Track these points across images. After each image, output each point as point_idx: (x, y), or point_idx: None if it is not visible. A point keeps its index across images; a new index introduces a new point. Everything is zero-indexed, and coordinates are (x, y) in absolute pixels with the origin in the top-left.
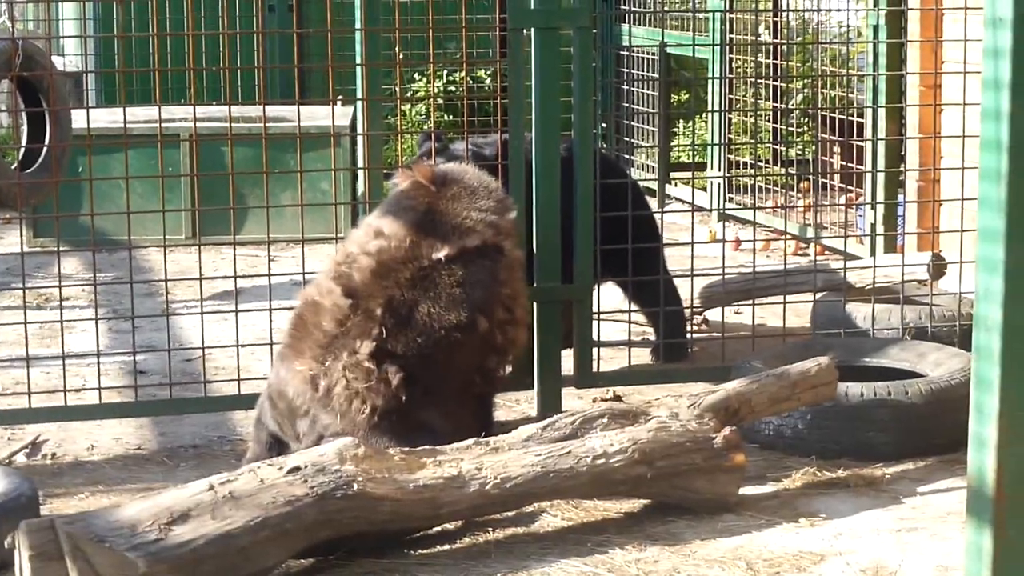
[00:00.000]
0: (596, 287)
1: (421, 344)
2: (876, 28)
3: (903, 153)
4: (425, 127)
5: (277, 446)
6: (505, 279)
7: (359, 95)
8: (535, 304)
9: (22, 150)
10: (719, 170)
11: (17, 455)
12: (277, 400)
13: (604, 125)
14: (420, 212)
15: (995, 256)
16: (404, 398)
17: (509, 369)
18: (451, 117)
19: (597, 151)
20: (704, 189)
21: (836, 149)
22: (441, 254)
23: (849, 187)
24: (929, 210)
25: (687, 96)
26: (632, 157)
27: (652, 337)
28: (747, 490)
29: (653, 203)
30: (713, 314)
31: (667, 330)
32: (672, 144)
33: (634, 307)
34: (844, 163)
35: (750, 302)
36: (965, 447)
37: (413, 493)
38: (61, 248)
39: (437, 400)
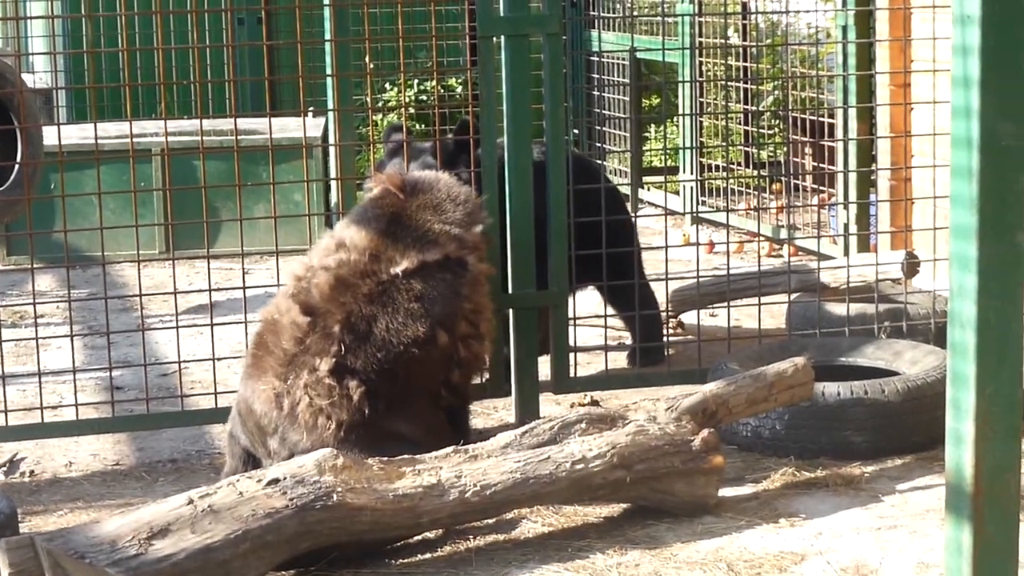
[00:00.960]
0: (574, 292)
1: (381, 359)
2: (845, 28)
3: (874, 152)
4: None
5: (252, 459)
6: (468, 293)
7: (330, 106)
8: (511, 310)
9: None
10: (691, 173)
11: None
12: (246, 417)
13: (576, 131)
14: (384, 222)
15: (968, 253)
16: (367, 412)
17: (478, 381)
18: (423, 126)
19: (570, 155)
20: (677, 193)
21: (807, 150)
22: (399, 268)
23: (821, 187)
24: (901, 209)
25: (658, 100)
26: (604, 162)
27: (628, 341)
28: (726, 492)
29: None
30: (688, 317)
31: (643, 334)
32: (644, 148)
33: (610, 311)
34: (816, 164)
35: (725, 304)
36: (943, 444)
37: (393, 502)
38: (35, 265)
39: (404, 412)
